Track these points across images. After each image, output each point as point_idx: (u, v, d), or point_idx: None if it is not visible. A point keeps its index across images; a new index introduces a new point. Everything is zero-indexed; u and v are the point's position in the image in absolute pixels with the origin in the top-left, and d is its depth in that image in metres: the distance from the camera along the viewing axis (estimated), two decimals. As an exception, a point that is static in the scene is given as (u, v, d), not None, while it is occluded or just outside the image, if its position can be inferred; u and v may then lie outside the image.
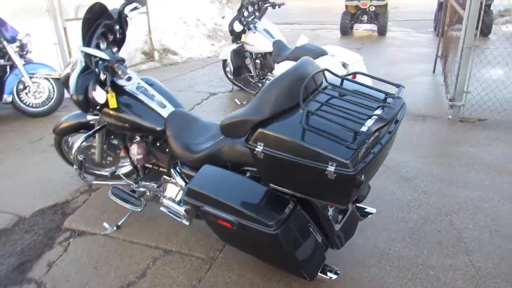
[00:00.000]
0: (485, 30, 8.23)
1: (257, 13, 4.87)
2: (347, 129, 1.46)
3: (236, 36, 4.74)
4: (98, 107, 2.30)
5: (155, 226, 2.59)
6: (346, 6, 9.65)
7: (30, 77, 4.70)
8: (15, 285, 2.18)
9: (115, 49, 2.50)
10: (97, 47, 2.30)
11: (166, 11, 8.44)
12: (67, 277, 2.21)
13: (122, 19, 2.47)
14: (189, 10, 8.79)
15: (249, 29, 4.65)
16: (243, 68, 5.08)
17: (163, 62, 7.48)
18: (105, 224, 2.57)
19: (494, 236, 2.37)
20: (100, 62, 2.10)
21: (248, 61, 5.03)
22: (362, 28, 10.62)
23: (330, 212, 1.92)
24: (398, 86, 1.77)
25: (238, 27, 4.68)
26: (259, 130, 1.60)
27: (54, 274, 2.24)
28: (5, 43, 4.57)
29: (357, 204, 2.23)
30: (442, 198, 2.78)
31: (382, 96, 1.70)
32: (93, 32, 2.28)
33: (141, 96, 2.32)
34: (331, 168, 1.43)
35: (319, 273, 1.86)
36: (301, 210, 1.81)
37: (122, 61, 2.21)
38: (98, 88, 2.13)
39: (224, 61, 5.29)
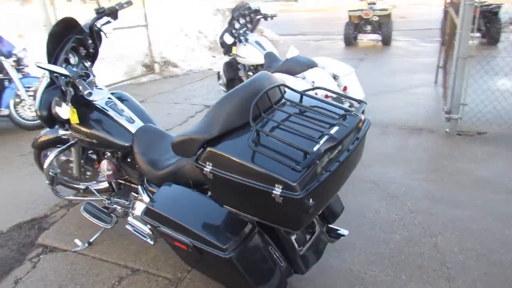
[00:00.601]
0: (488, 38, 8.05)
1: (249, 25, 4.82)
2: (298, 149, 1.37)
3: (227, 49, 4.69)
4: (65, 123, 2.26)
5: (126, 243, 2.51)
6: (350, 17, 9.57)
7: (26, 91, 4.73)
8: (-24, 304, 2.13)
9: (88, 64, 2.46)
10: (66, 61, 2.27)
11: (168, 24, 8.48)
12: (30, 297, 2.15)
13: (93, 34, 2.44)
14: (191, 22, 8.81)
15: (240, 41, 4.60)
16: (236, 80, 5.02)
17: (163, 75, 7.49)
18: (77, 241, 2.51)
19: (481, 261, 2.22)
20: (62, 77, 2.05)
21: (241, 73, 4.97)
22: (367, 38, 10.51)
23: (293, 234, 1.81)
24: (359, 102, 1.67)
25: (229, 40, 4.63)
26: (208, 149, 1.52)
27: (18, 293, 2.18)
28: (1, 58, 4.63)
29: (329, 225, 2.12)
30: (429, 217, 2.64)
31: (341, 112, 1.60)
32: (63, 46, 2.24)
33: (110, 111, 2.26)
34: (277, 191, 1.35)
35: (281, 300, 1.75)
36: (260, 232, 1.71)
37: (86, 76, 2.15)
38: (63, 103, 2.08)
39: (219, 73, 5.24)
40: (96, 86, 2.39)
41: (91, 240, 2.51)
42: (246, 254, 1.63)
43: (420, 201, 2.84)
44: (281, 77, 3.94)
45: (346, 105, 3.87)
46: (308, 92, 1.73)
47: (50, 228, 2.74)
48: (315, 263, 1.90)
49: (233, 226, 1.66)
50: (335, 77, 3.94)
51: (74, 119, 2.10)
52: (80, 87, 1.99)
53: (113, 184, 2.54)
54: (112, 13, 2.50)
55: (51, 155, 2.47)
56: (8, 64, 4.65)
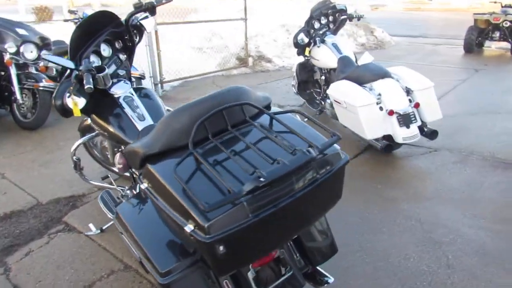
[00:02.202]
0: None
1: (331, 25, 4.49)
2: (226, 184, 1.18)
3: (301, 49, 4.45)
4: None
5: (132, 237, 2.55)
6: (475, 20, 8.33)
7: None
8: (-10, 266, 2.36)
9: (123, 57, 2.52)
10: (97, 53, 2.35)
11: (270, 18, 8.46)
12: (30, 269, 2.30)
13: (129, 28, 2.48)
14: (294, 17, 8.64)
15: (315, 42, 4.31)
16: (309, 83, 4.75)
17: (255, 69, 7.51)
18: (91, 225, 2.62)
19: None
20: (74, 70, 2.12)
21: (317, 75, 4.69)
22: (496, 46, 9.06)
23: (252, 271, 1.60)
24: (333, 135, 1.36)
25: (303, 40, 4.37)
26: (147, 165, 1.40)
27: (24, 263, 2.36)
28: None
29: (316, 267, 1.83)
30: (468, 280, 2.12)
31: (305, 145, 1.33)
32: (95, 39, 2.33)
33: (124, 107, 2.29)
34: (188, 228, 1.18)
35: None
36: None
37: (97, 70, 2.18)
38: (70, 95, 2.16)
39: (295, 74, 5.02)
40: (123, 80, 2.43)
41: (103, 228, 2.60)
42: (186, 283, 1.48)
43: (466, 256, 2.31)
44: (342, 86, 3.61)
45: (415, 125, 3.36)
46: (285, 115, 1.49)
47: (80, 208, 2.93)
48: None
49: (183, 251, 1.53)
50: (408, 91, 3.45)
51: (76, 112, 2.16)
52: (84, 81, 2.03)
53: (133, 176, 2.59)
54: (149, 8, 2.51)
55: (76, 142, 2.61)
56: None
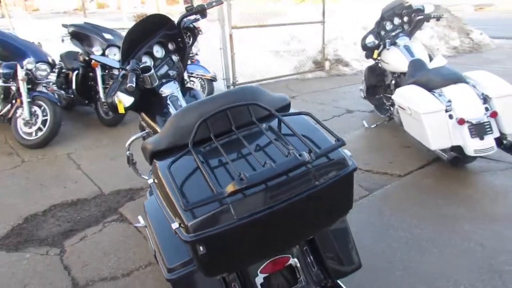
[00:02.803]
0: None
1: (405, 27, 4.19)
2: (214, 184, 1.16)
3: (369, 52, 4.21)
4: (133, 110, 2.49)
5: (174, 232, 2.63)
6: None
7: (189, 76, 5.42)
8: (50, 245, 2.61)
9: (176, 58, 2.64)
10: (150, 54, 2.49)
11: (350, 21, 8.19)
12: (81, 253, 2.50)
13: (181, 30, 2.58)
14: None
15: (384, 45, 4.05)
16: (379, 87, 4.49)
17: (330, 73, 7.32)
18: (140, 218, 2.75)
19: None
20: (121, 70, 2.26)
21: (388, 80, 4.41)
22: None
23: (260, 277, 1.54)
24: (338, 139, 1.25)
25: (371, 42, 4.14)
26: (154, 161, 1.43)
27: (77, 247, 2.57)
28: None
29: (338, 282, 1.70)
30: (528, 318, 1.82)
31: (305, 149, 1.24)
32: (149, 41, 2.47)
33: (170, 106, 2.38)
34: (173, 225, 1.19)
35: None
36: None
37: (143, 70, 2.28)
38: (118, 92, 2.31)
39: (366, 78, 4.78)
40: (173, 81, 2.53)
41: (151, 220, 2.73)
42: (191, 281, 1.49)
43: (532, 291, 1.98)
44: (408, 91, 3.33)
45: (491, 136, 2.98)
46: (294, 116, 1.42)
47: (136, 200, 3.12)
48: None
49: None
50: (485, 99, 3.08)
51: (120, 109, 2.29)
52: (128, 80, 2.15)
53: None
54: (200, 11, 2.58)
55: (130, 138, 2.78)
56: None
